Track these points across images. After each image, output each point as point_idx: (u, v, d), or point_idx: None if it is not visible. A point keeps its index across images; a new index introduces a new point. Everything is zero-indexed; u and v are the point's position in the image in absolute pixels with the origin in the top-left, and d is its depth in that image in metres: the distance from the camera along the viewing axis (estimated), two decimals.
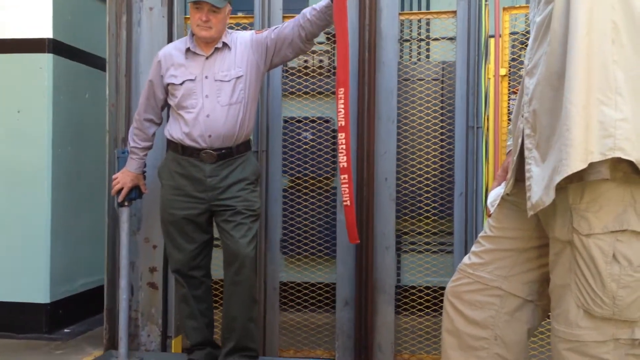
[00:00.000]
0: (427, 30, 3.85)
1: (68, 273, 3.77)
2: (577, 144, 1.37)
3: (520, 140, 1.61)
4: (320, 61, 4.01)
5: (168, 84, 2.86)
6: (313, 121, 3.90)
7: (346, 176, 2.51)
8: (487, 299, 1.73)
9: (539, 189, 1.48)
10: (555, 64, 1.46)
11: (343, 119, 2.51)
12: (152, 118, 2.96)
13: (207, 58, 2.84)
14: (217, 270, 3.07)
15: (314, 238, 3.73)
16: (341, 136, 2.51)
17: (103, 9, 3.49)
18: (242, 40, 2.89)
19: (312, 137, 3.92)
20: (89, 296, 3.96)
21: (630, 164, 1.40)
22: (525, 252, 1.71)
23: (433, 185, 3.48)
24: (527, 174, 1.54)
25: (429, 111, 3.44)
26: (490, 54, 3.09)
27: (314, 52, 3.97)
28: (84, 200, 3.91)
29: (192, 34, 2.86)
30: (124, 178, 2.98)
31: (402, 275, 3.76)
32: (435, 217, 3.61)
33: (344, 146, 2.51)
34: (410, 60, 3.77)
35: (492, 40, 3.10)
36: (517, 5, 3.18)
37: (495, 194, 1.80)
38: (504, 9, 3.12)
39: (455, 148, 3.12)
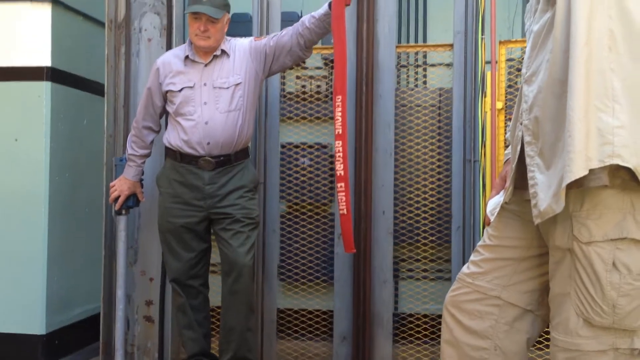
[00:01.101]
0: (424, 57, 3.87)
1: (65, 302, 3.76)
2: (578, 150, 1.39)
3: (519, 148, 1.62)
4: (318, 86, 4.02)
5: (167, 91, 2.87)
6: (311, 147, 3.90)
7: (343, 184, 2.51)
8: (487, 309, 1.73)
9: (546, 196, 1.48)
10: (558, 71, 1.48)
11: (340, 127, 2.51)
12: (151, 125, 2.97)
13: (205, 65, 2.85)
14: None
15: (311, 264, 3.73)
16: (338, 144, 2.51)
17: (102, 34, 3.49)
18: (240, 48, 2.90)
19: (309, 162, 3.93)
20: (85, 324, 3.94)
21: (629, 171, 1.41)
22: (524, 261, 1.71)
23: (430, 219, 3.49)
24: (530, 182, 1.54)
25: (426, 143, 3.45)
26: (486, 87, 3.10)
27: (311, 77, 3.98)
28: (81, 227, 3.90)
29: (191, 42, 2.87)
30: (121, 186, 2.98)
31: (400, 303, 3.77)
32: (433, 244, 3.61)
33: (340, 154, 2.51)
34: (407, 86, 3.78)
35: (488, 74, 3.11)
36: (514, 39, 3.20)
37: (494, 202, 1.80)
38: (500, 42, 3.13)
39: (452, 181, 3.13)
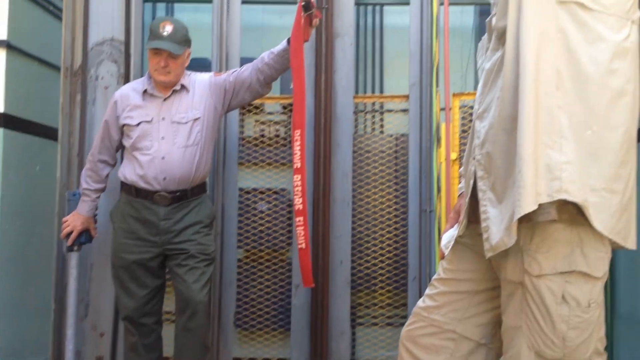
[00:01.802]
0: (381, 105, 3.93)
1: (14, 353, 3.64)
2: (527, 185, 1.42)
3: (472, 182, 1.65)
4: (277, 130, 4.04)
5: (124, 125, 2.84)
6: (269, 192, 3.90)
7: (302, 218, 2.52)
8: (442, 343, 1.74)
9: (498, 230, 1.50)
10: (508, 108, 1.51)
11: (299, 161, 2.53)
12: (107, 159, 2.93)
13: (164, 100, 2.84)
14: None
15: (268, 315, 3.70)
16: (297, 178, 2.53)
17: (58, 78, 3.44)
18: (200, 83, 2.90)
19: (268, 208, 3.92)
20: None
21: (576, 205, 1.45)
22: (478, 294, 1.73)
23: (388, 268, 3.50)
24: (482, 216, 1.57)
25: (383, 192, 3.48)
26: (441, 139, 3.16)
27: (270, 121, 4.00)
28: (32, 276, 3.80)
29: (150, 76, 2.85)
30: (74, 221, 2.92)
31: (357, 349, 3.75)
32: (390, 293, 3.62)
33: (299, 188, 2.52)
34: (364, 132, 3.83)
35: (443, 125, 3.18)
36: (467, 92, 3.28)
37: (449, 236, 1.82)
38: (454, 94, 3.21)
39: (409, 231, 3.17)
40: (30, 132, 3.81)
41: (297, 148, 2.53)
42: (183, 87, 2.87)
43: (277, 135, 3.91)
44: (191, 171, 2.81)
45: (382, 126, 4.30)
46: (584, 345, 1.50)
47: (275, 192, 3.92)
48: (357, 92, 3.61)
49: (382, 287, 3.51)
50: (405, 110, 3.55)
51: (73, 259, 2.96)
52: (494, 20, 1.64)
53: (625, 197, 1.51)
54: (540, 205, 1.43)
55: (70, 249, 2.95)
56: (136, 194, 2.81)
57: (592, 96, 1.47)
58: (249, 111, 3.61)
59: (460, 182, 1.90)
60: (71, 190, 3.11)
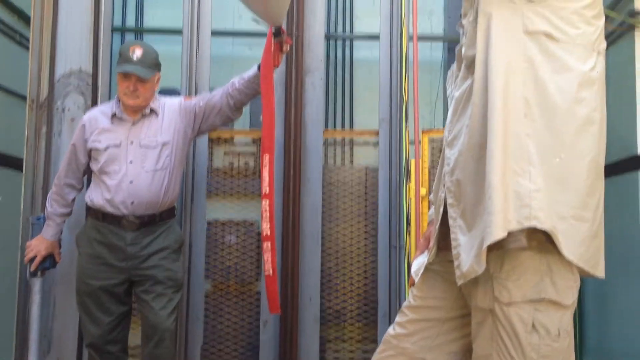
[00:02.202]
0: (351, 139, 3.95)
1: None
2: (497, 212, 1.42)
3: (442, 209, 1.64)
4: (246, 163, 4.02)
5: (91, 149, 2.79)
6: (238, 224, 3.86)
7: (269, 244, 2.49)
8: None
9: (469, 257, 1.50)
10: (477, 136, 1.52)
11: (268, 186, 2.51)
12: (73, 183, 2.88)
13: (133, 124, 2.81)
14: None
15: (236, 345, 3.64)
16: (265, 203, 2.50)
17: (23, 107, 3.36)
18: (170, 107, 2.88)
19: (236, 240, 3.88)
20: None
21: (545, 233, 1.45)
22: (448, 322, 1.72)
23: (357, 305, 3.49)
24: (453, 243, 1.56)
25: (352, 228, 3.48)
26: (410, 175, 3.18)
27: (239, 153, 3.98)
28: None
29: (119, 99, 2.82)
30: (38, 245, 2.85)
31: None
32: (359, 330, 3.60)
33: (267, 214, 2.49)
34: (334, 164, 3.83)
35: (412, 161, 3.20)
36: (435, 129, 3.31)
37: (419, 263, 1.81)
38: (423, 131, 3.24)
39: (378, 267, 3.16)
40: None
41: (265, 173, 2.52)
42: (152, 111, 2.84)
43: (247, 167, 3.89)
44: (159, 195, 2.77)
45: (352, 159, 4.32)
46: None
47: (244, 224, 3.89)
48: (327, 125, 3.62)
49: (351, 323, 3.48)
50: (375, 144, 3.56)
51: (36, 284, 2.89)
52: (463, 49, 1.66)
53: (594, 225, 1.52)
54: (509, 232, 1.44)
55: (33, 274, 2.88)
56: (103, 218, 2.76)
57: (560, 124, 1.49)
58: (218, 143, 3.59)
59: (429, 210, 1.91)
60: (35, 215, 3.04)
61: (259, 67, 2.74)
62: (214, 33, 3.51)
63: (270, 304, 2.52)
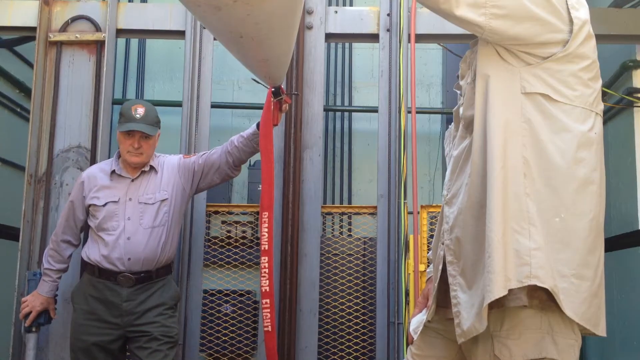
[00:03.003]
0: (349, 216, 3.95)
1: None
2: (497, 270, 1.42)
3: (441, 267, 1.63)
4: (244, 232, 4.01)
5: (90, 205, 2.79)
6: (234, 292, 3.83)
7: (268, 301, 2.47)
8: None
9: (469, 315, 1.49)
10: (476, 194, 1.53)
11: (267, 243, 2.49)
12: (70, 239, 2.86)
13: (132, 180, 2.82)
14: None
15: None
16: (264, 260, 2.49)
17: (21, 177, 3.35)
18: (169, 164, 2.90)
19: (232, 309, 3.84)
20: None
21: (546, 291, 1.44)
22: None
23: None
24: (453, 301, 1.55)
25: (350, 303, 3.44)
26: (409, 251, 3.16)
27: (237, 222, 3.97)
28: None
29: (118, 157, 2.84)
30: (33, 301, 2.83)
31: None
32: None
33: (266, 270, 2.47)
34: (332, 234, 3.82)
35: (411, 237, 3.18)
36: (434, 204, 3.31)
37: (417, 321, 1.79)
38: (422, 207, 3.24)
39: (376, 343, 3.11)
40: None
41: (264, 230, 2.52)
42: (152, 168, 2.86)
43: (244, 237, 3.88)
44: (156, 252, 2.76)
45: (350, 229, 4.31)
46: None
47: (241, 294, 3.86)
48: (325, 199, 3.63)
49: None
50: (373, 214, 3.55)
51: (31, 340, 2.86)
52: (461, 109, 1.68)
53: (594, 284, 1.51)
54: (510, 290, 1.44)
55: (28, 329, 2.85)
56: (99, 274, 2.75)
57: (560, 184, 1.50)
58: (216, 212, 3.59)
59: (428, 267, 1.90)
60: (31, 270, 3.01)
61: (257, 126, 2.78)
62: (214, 105, 3.55)
63: None
